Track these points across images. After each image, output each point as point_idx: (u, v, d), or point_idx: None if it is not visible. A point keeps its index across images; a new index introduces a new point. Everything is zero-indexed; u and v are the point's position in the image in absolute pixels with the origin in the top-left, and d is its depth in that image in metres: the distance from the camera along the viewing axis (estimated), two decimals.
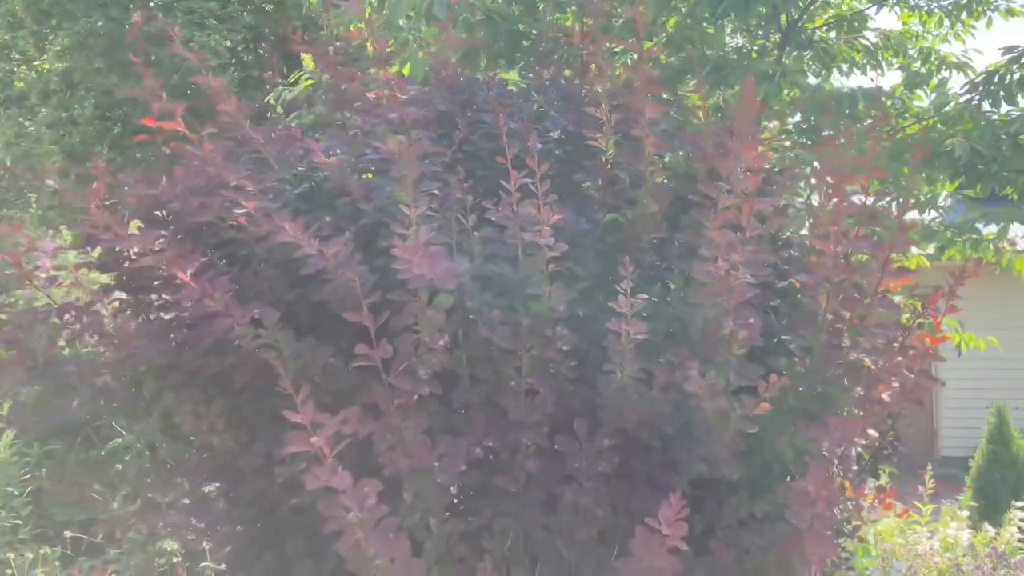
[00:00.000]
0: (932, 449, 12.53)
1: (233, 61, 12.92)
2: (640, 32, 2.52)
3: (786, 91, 4.35)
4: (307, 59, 6.75)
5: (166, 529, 3.22)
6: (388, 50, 6.14)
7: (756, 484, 2.66)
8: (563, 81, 3.12)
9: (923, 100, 5.75)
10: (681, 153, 2.73)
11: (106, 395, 2.47)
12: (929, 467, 6.40)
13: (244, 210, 2.37)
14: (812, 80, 5.26)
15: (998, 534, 6.20)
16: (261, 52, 13.35)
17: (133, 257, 2.72)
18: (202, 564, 4.39)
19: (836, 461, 2.70)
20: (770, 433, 2.50)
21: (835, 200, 2.54)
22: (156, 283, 2.79)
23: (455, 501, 2.64)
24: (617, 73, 2.70)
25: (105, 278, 2.90)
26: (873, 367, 2.55)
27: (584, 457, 2.50)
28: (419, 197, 2.21)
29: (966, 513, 6.68)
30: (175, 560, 4.71)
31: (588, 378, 2.58)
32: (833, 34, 5.90)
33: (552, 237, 2.39)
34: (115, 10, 13.72)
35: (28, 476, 5.43)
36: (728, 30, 5.53)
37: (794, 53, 5.54)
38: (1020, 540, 6.23)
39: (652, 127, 2.53)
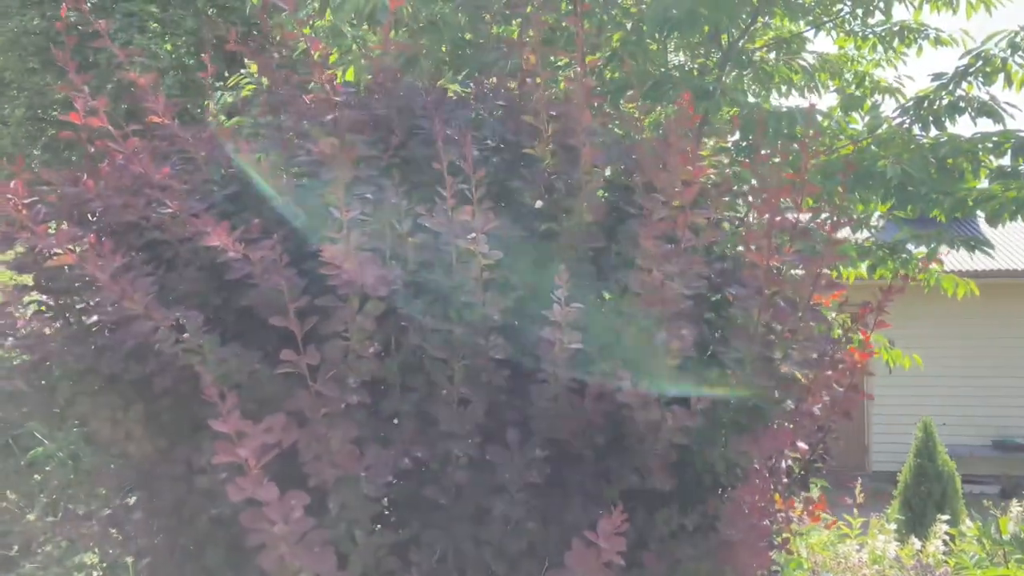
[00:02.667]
0: (864, 463, 12.82)
1: (175, 66, 12.67)
2: (581, 45, 2.52)
3: (725, 109, 4.40)
4: (251, 64, 6.66)
5: (88, 541, 3.09)
6: (332, 57, 6.12)
7: (687, 496, 2.66)
8: (503, 91, 3.10)
9: (858, 123, 5.89)
10: (622, 166, 2.73)
11: (17, 401, 2.36)
12: (859, 481, 6.51)
13: (168, 210, 2.30)
14: (751, 99, 5.34)
15: (924, 547, 6.33)
16: (202, 57, 13.13)
17: (51, 256, 2.63)
18: None
19: (767, 473, 2.72)
20: (702, 445, 2.50)
21: (767, 214, 2.56)
22: (76, 285, 2.70)
23: (384, 513, 2.58)
24: (560, 86, 2.69)
25: (24, 279, 2.78)
26: (804, 380, 2.57)
27: (515, 468, 2.46)
28: (351, 201, 2.16)
29: (893, 526, 6.82)
30: (95, 574, 4.54)
31: (521, 388, 2.55)
32: (773, 55, 6.01)
33: (487, 245, 2.36)
34: (51, 8, 13.38)
35: None
36: (670, 48, 5.58)
37: (733, 72, 5.63)
38: (944, 552, 6.38)
39: (589, 137, 2.52)
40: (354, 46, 5.89)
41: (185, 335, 2.22)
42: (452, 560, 2.56)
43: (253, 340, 2.46)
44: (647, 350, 2.40)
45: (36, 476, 4.81)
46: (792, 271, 2.60)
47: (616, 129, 2.89)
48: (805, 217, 2.74)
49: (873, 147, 5.53)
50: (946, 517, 6.94)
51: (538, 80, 2.59)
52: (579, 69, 2.52)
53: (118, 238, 2.45)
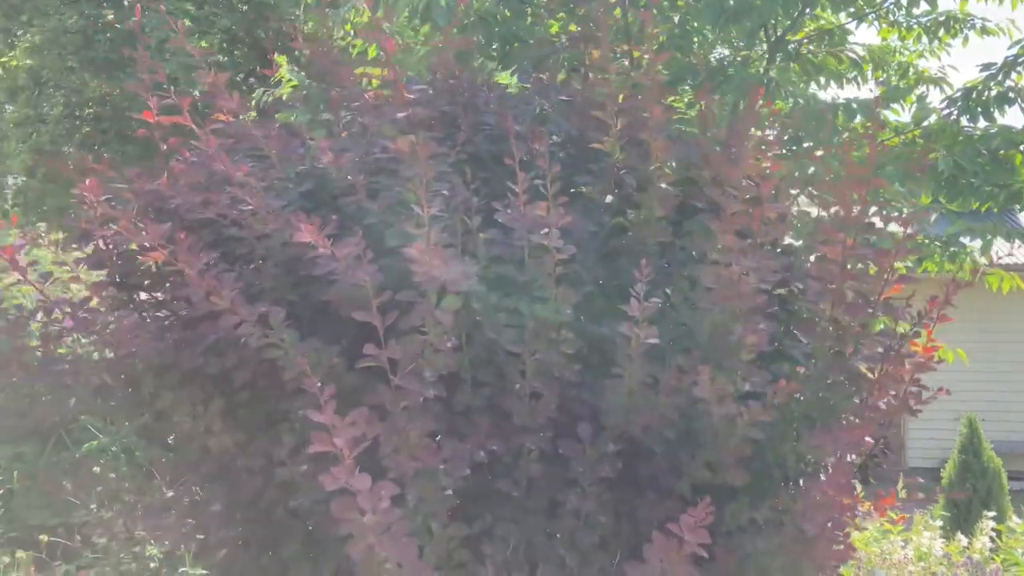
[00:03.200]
0: (900, 460, 12.66)
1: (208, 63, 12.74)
2: (650, 40, 2.52)
3: (779, 102, 4.38)
4: (281, 61, 6.72)
5: (153, 533, 3.15)
6: (371, 52, 6.15)
7: (756, 490, 2.66)
8: (564, 86, 3.12)
9: (900, 114, 5.83)
10: (687, 160, 2.73)
11: (103, 394, 2.41)
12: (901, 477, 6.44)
13: (248, 207, 2.33)
14: (808, 91, 5.30)
15: (970, 543, 6.27)
16: (237, 55, 13.21)
17: (127, 252, 2.68)
18: (181, 570, 4.31)
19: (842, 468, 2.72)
20: (773, 439, 2.50)
21: (839, 208, 2.56)
22: (147, 281, 2.75)
23: (456, 505, 2.61)
24: (610, 77, 2.70)
25: (96, 276, 2.84)
26: (872, 375, 2.56)
27: (588, 462, 2.48)
28: (432, 197, 2.19)
29: (939, 522, 6.76)
30: (152, 565, 4.61)
31: (590, 382, 2.56)
32: (811, 47, 5.96)
33: (560, 240, 2.37)
34: (88, 7, 13.54)
35: (0, 478, 5.30)
36: (716, 41, 5.55)
37: (779, 64, 5.59)
38: (992, 550, 6.32)
39: (660, 131, 2.52)
40: (398, 41, 5.92)
41: (268, 330, 2.25)
42: (523, 553, 2.59)
43: (327, 335, 2.49)
44: (721, 344, 2.41)
45: (95, 469, 4.90)
46: (860, 265, 2.59)
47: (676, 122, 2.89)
48: (868, 210, 2.73)
49: (919, 139, 5.48)
50: (992, 514, 6.86)
51: (608, 76, 2.60)
52: (647, 62, 2.52)
53: (193, 235, 2.48)
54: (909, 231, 2.53)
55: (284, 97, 5.74)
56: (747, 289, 2.29)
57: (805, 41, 6.11)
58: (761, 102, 2.77)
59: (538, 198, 2.43)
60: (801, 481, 2.69)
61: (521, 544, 2.58)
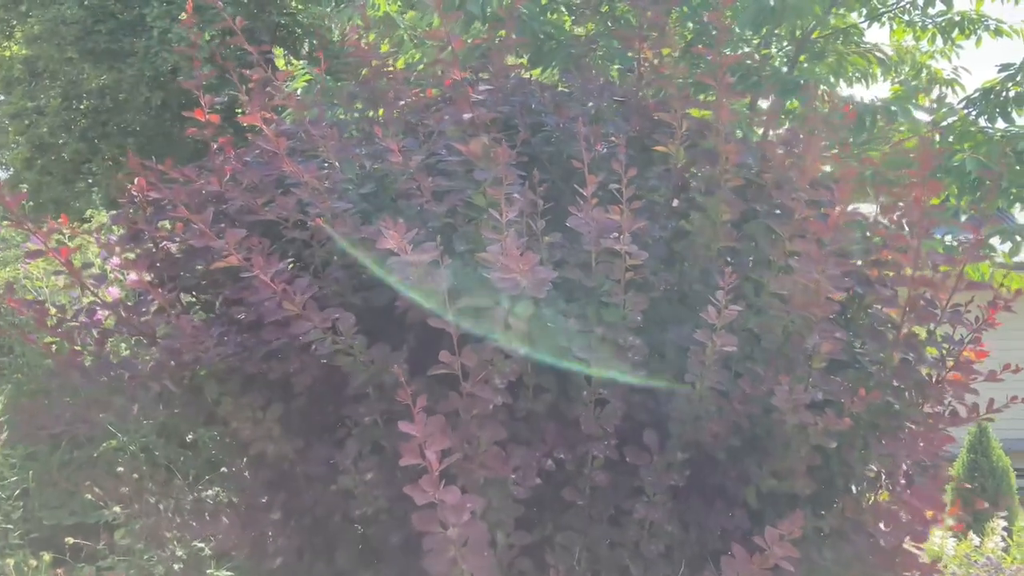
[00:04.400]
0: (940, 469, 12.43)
1: (208, 55, 12.62)
2: (721, 42, 2.48)
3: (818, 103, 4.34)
4: (279, 53, 6.65)
5: (191, 535, 3.08)
6: (383, 47, 6.09)
7: (819, 498, 2.63)
8: (616, 86, 3.07)
9: (911, 112, 5.81)
10: (747, 161, 2.69)
11: (165, 401, 2.35)
12: None
13: (317, 210, 2.28)
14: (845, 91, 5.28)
15: (982, 543, 6.28)
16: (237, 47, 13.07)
17: (177, 253, 2.62)
18: (207, 571, 4.25)
19: (884, 475, 2.69)
20: (840, 447, 2.47)
21: (911, 214, 2.52)
22: (202, 282, 2.70)
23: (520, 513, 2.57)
24: (675, 79, 2.65)
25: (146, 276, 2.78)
26: (939, 381, 2.53)
27: (655, 470, 2.44)
28: (509, 201, 2.14)
29: (951, 521, 6.75)
30: (176, 567, 4.56)
31: (655, 388, 2.53)
32: (839, 46, 5.93)
33: (633, 244, 2.33)
34: None
35: (15, 478, 5.22)
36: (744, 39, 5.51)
37: (805, 64, 5.56)
38: (1003, 549, 6.32)
39: (729, 134, 2.48)
40: (405, 37, 5.86)
41: (338, 336, 2.20)
42: (586, 562, 2.55)
43: (389, 339, 2.45)
44: (794, 352, 2.38)
45: (119, 469, 4.82)
46: (929, 271, 2.56)
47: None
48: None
49: (938, 138, 5.46)
50: (1004, 513, 6.87)
51: (673, 78, 2.56)
52: (716, 63, 2.47)
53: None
54: (977, 236, 2.49)
55: (298, 92, 5.68)
56: (823, 296, 2.25)
57: (822, 40, 6.09)
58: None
59: (605, 201, 2.39)
60: (862, 488, 2.67)
61: (583, 553, 2.55)
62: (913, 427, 2.53)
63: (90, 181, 15.98)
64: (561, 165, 2.72)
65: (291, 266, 2.52)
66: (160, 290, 2.56)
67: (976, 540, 6.30)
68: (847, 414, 2.29)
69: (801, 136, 2.66)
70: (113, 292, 2.59)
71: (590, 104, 2.90)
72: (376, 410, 2.36)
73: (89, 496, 4.81)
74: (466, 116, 2.46)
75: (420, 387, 2.39)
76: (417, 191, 2.41)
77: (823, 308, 2.25)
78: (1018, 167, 5.09)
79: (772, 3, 4.05)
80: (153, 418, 2.58)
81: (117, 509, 4.59)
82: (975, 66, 6.44)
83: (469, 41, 5.02)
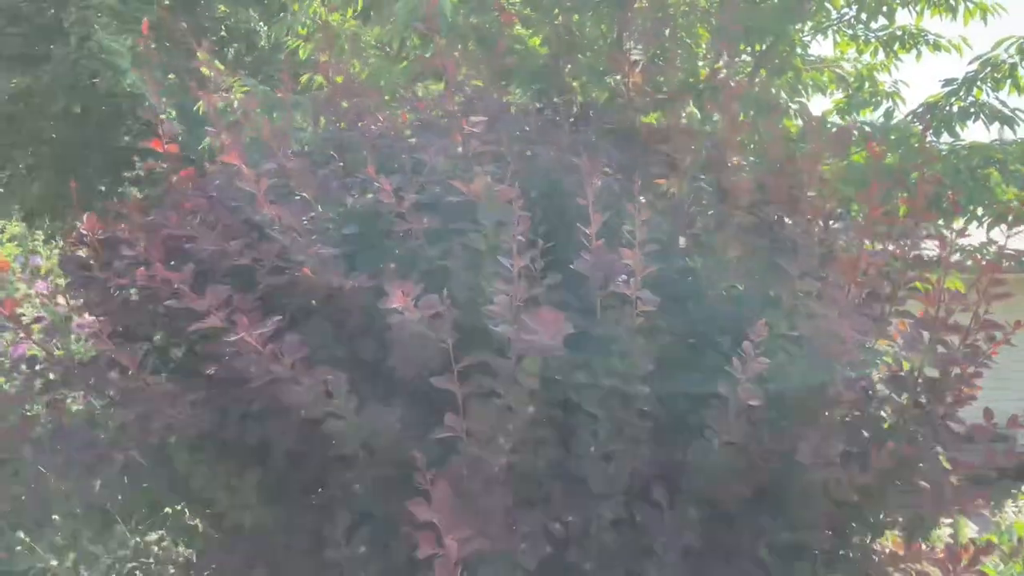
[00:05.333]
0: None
1: (137, 63, 12.04)
2: (727, 81, 2.33)
3: (788, 121, 4.27)
4: (202, 56, 6.31)
5: None
6: (324, 57, 5.83)
7: (831, 550, 2.51)
8: (603, 111, 2.91)
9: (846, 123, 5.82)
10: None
11: (130, 475, 2.09)
12: None
13: (300, 258, 2.05)
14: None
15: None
16: (166, 53, 12.53)
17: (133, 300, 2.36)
18: None
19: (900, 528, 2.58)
20: (860, 500, 2.34)
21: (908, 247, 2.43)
22: (157, 335, 2.44)
23: None
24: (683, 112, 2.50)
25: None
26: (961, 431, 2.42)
27: (668, 529, 2.28)
28: (520, 247, 1.95)
29: None
30: None
31: (664, 441, 2.36)
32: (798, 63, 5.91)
33: (645, 289, 2.16)
34: None
35: None
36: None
37: (765, 79, 5.50)
38: None
39: (739, 170, 2.34)
40: (346, 45, 5.62)
41: (332, 399, 1.98)
42: None
43: (375, 394, 2.23)
44: (814, 402, 2.24)
45: (55, 517, 4.45)
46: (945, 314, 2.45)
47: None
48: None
49: (889, 154, 5.46)
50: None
51: (680, 113, 2.40)
52: (724, 96, 2.32)
53: (230, 284, 2.18)
54: (996, 274, 2.40)
55: (236, 103, 5.39)
56: (849, 343, 2.12)
57: (781, 56, 6.06)
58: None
59: (603, 236, 2.22)
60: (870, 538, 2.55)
61: None
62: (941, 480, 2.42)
63: (1, 190, 15.19)
64: (555, 199, 2.54)
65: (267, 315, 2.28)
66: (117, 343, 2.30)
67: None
68: (872, 468, 2.16)
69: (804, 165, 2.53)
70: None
71: (580, 132, 2.73)
72: (367, 476, 2.14)
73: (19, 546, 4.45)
74: (459, 150, 2.26)
75: (412, 445, 2.19)
76: (410, 233, 2.20)
77: (852, 355, 2.12)
78: (971, 183, 5.10)
79: (749, 23, 3.94)
80: (117, 494, 2.31)
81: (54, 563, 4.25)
82: (913, 80, 6.49)
83: (427, 55, 4.84)
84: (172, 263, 2.25)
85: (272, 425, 2.14)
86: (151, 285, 2.22)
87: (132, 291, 2.44)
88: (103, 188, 14.81)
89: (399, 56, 5.35)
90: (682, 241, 2.48)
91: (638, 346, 2.23)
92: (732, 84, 2.42)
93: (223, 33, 15.25)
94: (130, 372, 2.04)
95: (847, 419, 2.22)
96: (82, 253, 2.37)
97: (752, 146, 3.19)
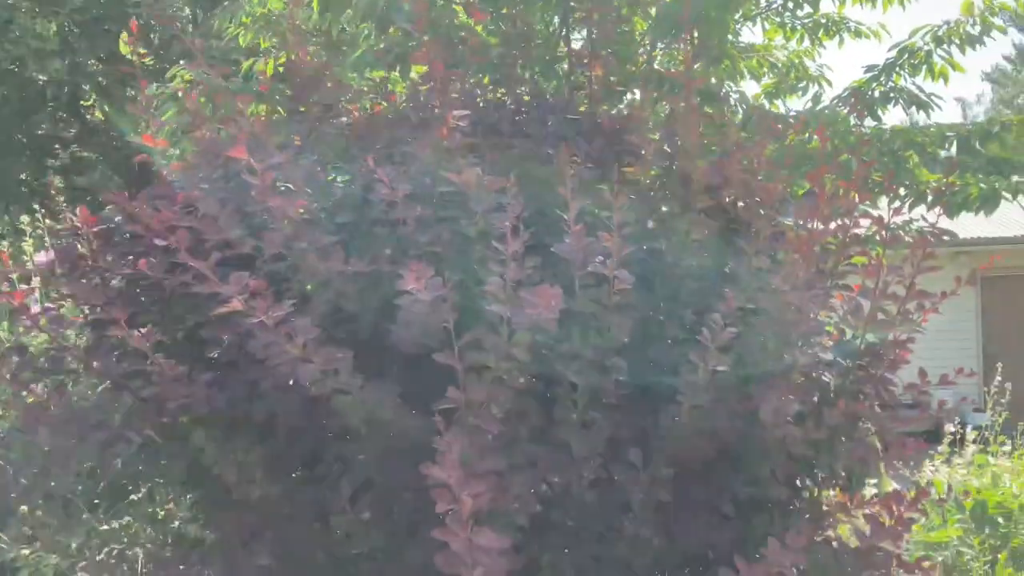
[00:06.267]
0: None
1: (62, 48, 11.77)
2: (688, 63, 2.54)
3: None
4: (123, 45, 6.35)
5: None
6: (263, 43, 5.88)
7: (786, 502, 2.76)
8: (568, 104, 3.10)
9: (778, 108, 6.14)
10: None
11: (148, 452, 2.21)
12: None
13: (302, 245, 2.20)
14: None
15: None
16: (94, 37, 12.28)
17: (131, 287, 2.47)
18: None
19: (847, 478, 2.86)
20: (812, 454, 2.60)
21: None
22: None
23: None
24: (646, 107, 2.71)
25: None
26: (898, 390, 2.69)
27: (643, 487, 2.50)
28: (515, 231, 2.13)
29: None
30: None
31: (636, 407, 2.58)
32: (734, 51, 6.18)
33: (622, 269, 2.37)
34: None
35: None
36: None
37: (697, 66, 5.76)
38: None
39: (699, 157, 2.55)
40: (288, 36, 5.69)
41: (339, 376, 2.13)
42: None
43: (370, 372, 2.39)
44: (775, 365, 2.48)
45: (23, 508, 4.47)
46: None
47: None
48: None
49: (816, 138, 5.78)
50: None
51: (644, 104, 2.60)
52: (687, 88, 2.54)
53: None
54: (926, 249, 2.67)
55: (179, 93, 5.42)
56: (805, 315, 2.36)
57: (718, 45, 6.32)
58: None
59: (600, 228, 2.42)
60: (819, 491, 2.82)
61: (572, 571, 2.58)
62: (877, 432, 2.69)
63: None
64: (529, 187, 2.72)
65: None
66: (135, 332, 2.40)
67: None
68: (825, 424, 2.42)
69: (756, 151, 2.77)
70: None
71: (549, 123, 2.92)
72: (370, 447, 2.30)
73: None
74: (447, 144, 2.42)
75: (410, 418, 2.36)
76: (403, 221, 2.36)
77: (806, 324, 2.36)
78: (893, 165, 5.45)
79: (691, 13, 4.15)
80: (134, 472, 2.41)
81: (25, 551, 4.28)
82: (837, 65, 6.83)
83: (381, 46, 4.94)
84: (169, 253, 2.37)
85: (279, 402, 2.28)
86: (149, 274, 2.34)
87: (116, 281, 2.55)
88: (25, 176, 14.44)
89: (338, 43, 5.42)
90: (650, 224, 2.69)
91: (614, 322, 2.43)
92: (670, 72, 2.61)
93: (152, 21, 14.98)
94: (136, 354, 2.15)
95: (800, 382, 2.46)
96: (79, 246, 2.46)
97: (703, 132, 3.41)
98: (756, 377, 2.44)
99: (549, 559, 2.55)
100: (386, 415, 2.27)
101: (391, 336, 2.24)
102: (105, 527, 4.20)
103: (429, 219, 2.38)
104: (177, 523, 3.85)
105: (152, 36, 15.17)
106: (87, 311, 2.49)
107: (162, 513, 4.02)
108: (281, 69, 4.68)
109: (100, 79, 13.14)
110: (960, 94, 41.50)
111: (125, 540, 4.00)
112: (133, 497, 4.15)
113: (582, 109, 3.03)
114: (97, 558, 3.23)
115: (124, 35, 6.01)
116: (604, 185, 2.82)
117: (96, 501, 4.21)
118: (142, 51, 5.90)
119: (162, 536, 3.72)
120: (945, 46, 5.67)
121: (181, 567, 2.53)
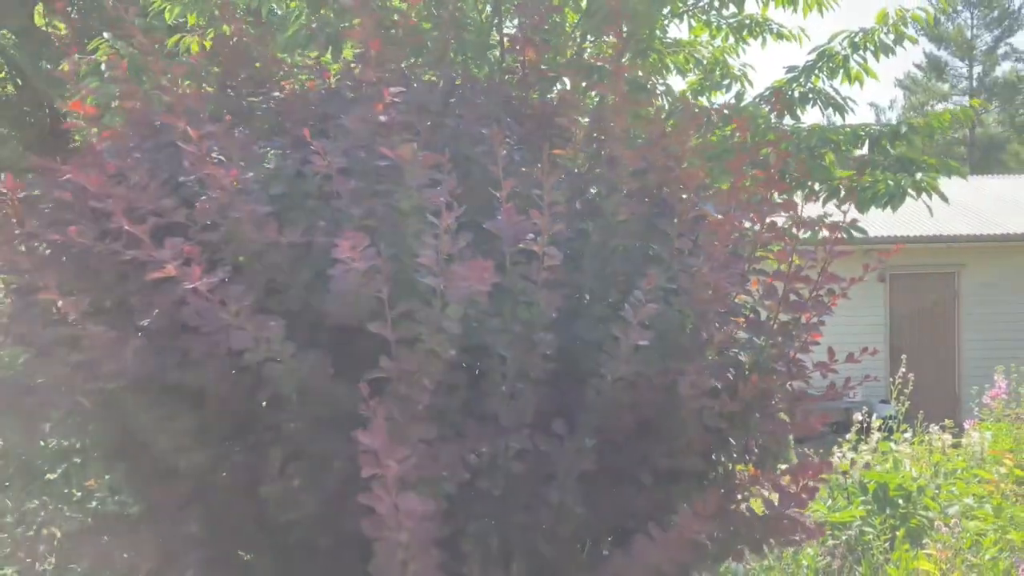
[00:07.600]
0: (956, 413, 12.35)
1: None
2: (620, 53, 2.64)
3: (657, 102, 4.65)
4: (38, 16, 6.21)
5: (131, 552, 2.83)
6: (191, 18, 5.82)
7: (701, 473, 2.90)
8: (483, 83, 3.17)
9: (703, 104, 6.35)
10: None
11: (78, 419, 2.20)
12: None
13: (237, 214, 2.22)
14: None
15: None
16: (4, 8, 11.82)
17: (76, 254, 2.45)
18: None
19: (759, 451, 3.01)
20: (726, 427, 2.73)
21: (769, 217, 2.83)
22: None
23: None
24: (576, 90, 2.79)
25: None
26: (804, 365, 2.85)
27: (568, 456, 2.59)
28: (449, 206, 2.19)
29: None
30: None
31: (561, 380, 2.67)
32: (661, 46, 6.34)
33: (551, 246, 2.45)
34: None
35: None
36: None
37: (625, 59, 5.90)
38: None
39: (626, 141, 2.65)
40: (216, 11, 5.64)
41: (271, 344, 2.16)
42: (498, 547, 2.66)
43: (300, 342, 2.42)
44: (695, 343, 2.60)
45: None
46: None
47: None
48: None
49: (737, 134, 6.00)
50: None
51: (575, 90, 2.69)
52: (614, 74, 2.63)
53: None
54: (838, 234, 2.82)
55: (102, 64, 5.32)
56: (721, 293, 2.48)
57: (646, 39, 6.48)
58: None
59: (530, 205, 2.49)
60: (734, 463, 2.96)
61: (497, 539, 2.65)
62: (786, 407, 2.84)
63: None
64: (462, 166, 2.79)
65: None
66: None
67: None
68: (739, 398, 2.55)
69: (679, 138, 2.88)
70: None
71: (481, 103, 2.98)
72: (301, 416, 2.34)
73: None
74: (382, 119, 2.46)
75: (341, 387, 2.40)
76: (337, 194, 2.39)
77: (723, 304, 2.48)
78: (809, 161, 5.68)
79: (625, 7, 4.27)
80: (63, 438, 2.38)
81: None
82: (759, 66, 7.06)
83: (313, 25, 4.93)
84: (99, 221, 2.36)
85: (211, 370, 2.29)
86: (78, 240, 2.32)
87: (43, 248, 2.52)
88: None
89: (268, 24, 5.40)
90: (578, 205, 2.78)
91: (543, 297, 2.52)
92: (602, 63, 2.71)
93: None
94: (74, 324, 2.14)
95: (717, 359, 2.59)
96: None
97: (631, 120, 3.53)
98: (675, 353, 2.56)
99: (475, 528, 2.62)
100: (317, 384, 2.31)
101: (324, 307, 2.28)
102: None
103: (364, 192, 2.42)
104: (95, 503, 3.80)
105: (70, 9, 14.69)
106: (11, 278, 2.46)
107: (79, 494, 3.96)
108: (208, 46, 4.64)
109: (12, 52, 12.70)
110: (874, 99, 43.08)
111: (42, 516, 3.92)
112: (49, 476, 4.07)
113: (514, 94, 3.10)
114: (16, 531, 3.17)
115: (39, 7, 5.88)
116: (535, 166, 2.92)
117: (7, 484, 4.12)
118: (60, 25, 5.74)
119: (80, 515, 3.67)
120: (861, 52, 5.93)
121: (105, 538, 2.51)
